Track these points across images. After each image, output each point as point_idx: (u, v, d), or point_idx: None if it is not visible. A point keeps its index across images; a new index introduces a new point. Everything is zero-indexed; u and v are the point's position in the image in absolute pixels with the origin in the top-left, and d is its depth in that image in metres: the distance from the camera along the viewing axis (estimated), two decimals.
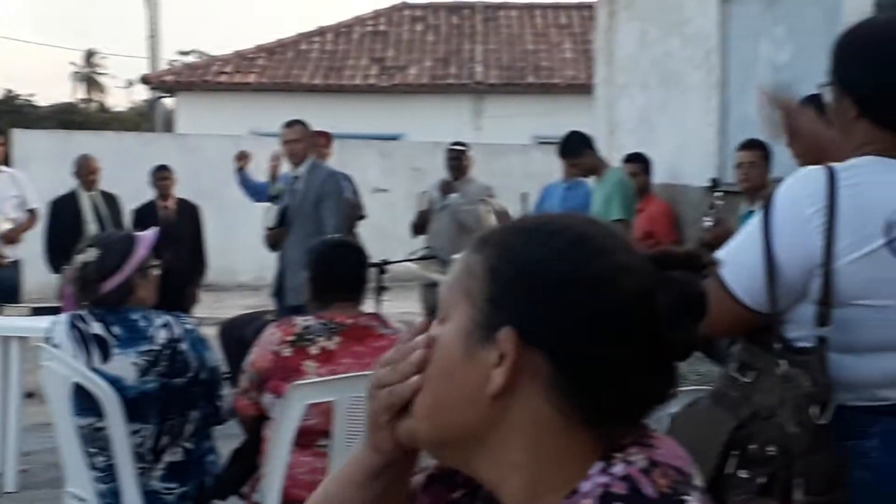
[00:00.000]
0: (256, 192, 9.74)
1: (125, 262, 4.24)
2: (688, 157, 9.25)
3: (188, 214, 10.41)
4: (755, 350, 2.54)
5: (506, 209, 8.79)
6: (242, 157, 9.95)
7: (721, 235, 6.16)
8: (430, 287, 8.83)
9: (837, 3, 7.29)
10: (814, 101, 3.07)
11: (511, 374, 1.25)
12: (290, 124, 8.52)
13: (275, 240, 8.49)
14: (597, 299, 1.25)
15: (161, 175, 10.30)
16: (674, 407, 2.65)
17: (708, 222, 6.77)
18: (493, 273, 1.29)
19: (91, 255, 4.22)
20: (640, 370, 1.26)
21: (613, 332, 1.24)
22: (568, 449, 1.26)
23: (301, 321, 4.30)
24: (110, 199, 10.17)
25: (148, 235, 4.41)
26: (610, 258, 1.27)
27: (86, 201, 10.00)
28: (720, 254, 2.51)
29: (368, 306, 4.73)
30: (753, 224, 2.50)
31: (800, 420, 2.41)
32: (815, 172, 2.45)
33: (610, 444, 1.26)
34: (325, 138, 9.82)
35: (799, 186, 2.47)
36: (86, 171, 10.12)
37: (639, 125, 10.12)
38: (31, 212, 10.04)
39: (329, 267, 4.41)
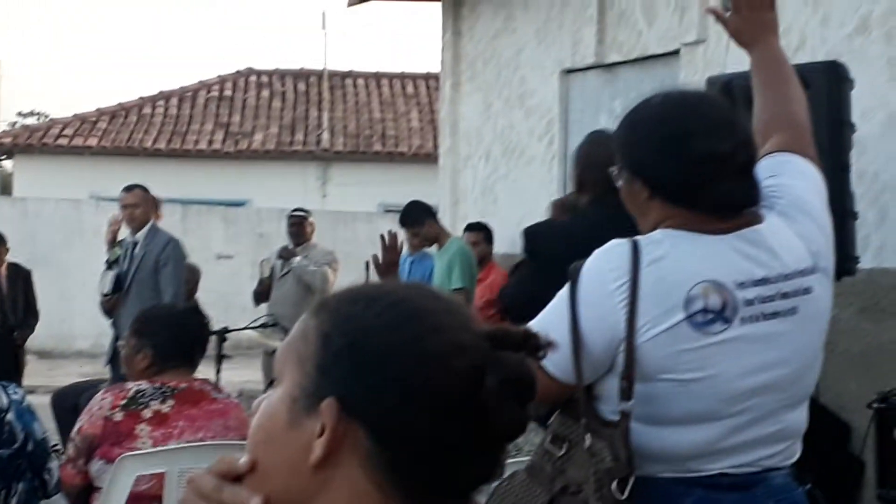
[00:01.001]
0: None
1: None
2: None
3: (20, 279, 10.16)
4: (569, 422, 2.53)
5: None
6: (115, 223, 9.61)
7: None
8: (272, 356, 8.74)
9: (674, 77, 7.51)
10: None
11: (330, 445, 1.22)
12: (129, 188, 8.40)
13: (110, 306, 8.31)
14: (423, 376, 1.22)
15: None
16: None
17: None
18: (325, 340, 1.26)
19: None
20: (465, 450, 1.24)
21: (438, 410, 1.22)
22: None
23: (133, 385, 4.21)
24: None
25: None
26: (443, 335, 1.25)
27: None
28: (531, 324, 2.52)
29: (208, 374, 4.67)
30: (561, 296, 2.50)
31: (601, 495, 2.42)
32: (620, 246, 2.47)
33: None
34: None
35: (604, 260, 2.48)
36: None
37: (482, 195, 10.22)
38: None
39: (174, 332, 4.34)
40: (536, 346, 1.30)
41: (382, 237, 4.88)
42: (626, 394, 2.42)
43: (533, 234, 4.83)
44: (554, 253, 4.02)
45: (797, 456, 2.61)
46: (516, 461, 3.38)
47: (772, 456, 2.53)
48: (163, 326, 4.38)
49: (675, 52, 7.80)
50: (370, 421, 1.22)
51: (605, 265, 2.46)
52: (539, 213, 9.20)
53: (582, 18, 8.86)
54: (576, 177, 4.80)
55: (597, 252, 2.51)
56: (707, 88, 5.75)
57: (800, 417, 2.59)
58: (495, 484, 2.64)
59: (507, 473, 2.76)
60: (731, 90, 4.90)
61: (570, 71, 9.08)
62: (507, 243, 9.30)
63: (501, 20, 10.01)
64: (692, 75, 7.39)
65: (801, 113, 2.84)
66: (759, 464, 2.52)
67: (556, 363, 2.45)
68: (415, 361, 1.23)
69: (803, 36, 6.70)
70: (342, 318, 1.28)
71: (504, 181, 9.93)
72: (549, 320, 2.50)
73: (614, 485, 2.41)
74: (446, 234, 8.46)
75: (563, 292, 2.49)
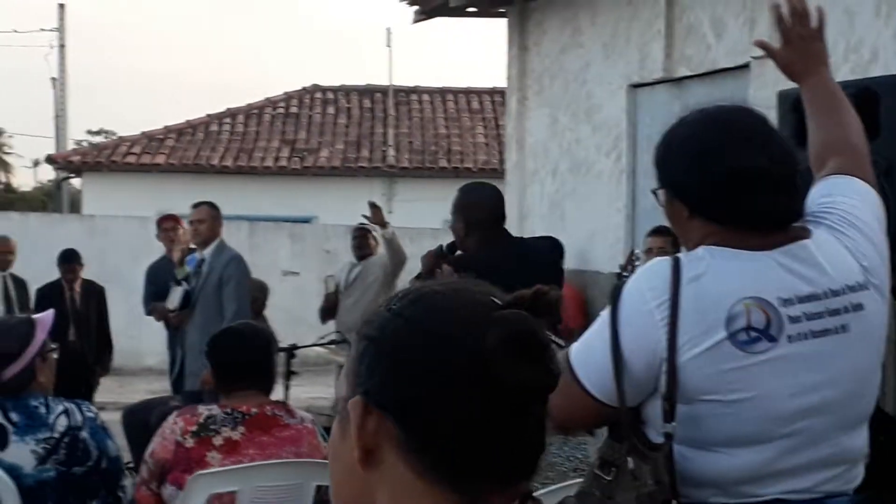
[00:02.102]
0: None
1: (26, 348, 4.13)
2: (597, 243, 9.33)
3: (93, 297, 10.25)
4: (616, 446, 2.50)
5: None
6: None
7: None
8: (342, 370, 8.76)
9: (744, 91, 7.43)
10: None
11: (362, 441, 1.25)
12: (197, 205, 8.43)
13: (178, 322, 8.34)
14: (426, 356, 1.24)
15: (69, 268, 10.11)
16: None
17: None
18: (357, 347, 1.31)
19: None
20: (488, 421, 1.23)
21: (447, 384, 1.23)
22: None
23: (204, 410, 4.21)
24: (19, 284, 9.99)
25: (46, 318, 4.31)
26: (435, 311, 1.28)
27: None
28: (574, 347, 2.49)
29: (277, 392, 4.65)
30: (602, 317, 2.47)
31: None
32: (661, 264, 2.44)
33: None
34: (172, 221, 9.65)
35: (644, 279, 2.45)
36: (3, 249, 9.92)
37: (549, 211, 10.19)
38: None
39: (230, 355, 4.33)
40: (547, 302, 1.29)
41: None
42: (669, 415, 2.39)
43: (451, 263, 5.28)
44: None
45: (859, 481, 2.54)
46: (568, 484, 3.35)
47: (829, 480, 2.47)
48: (223, 349, 4.39)
49: (745, 66, 7.72)
50: (392, 409, 1.25)
51: (644, 284, 2.43)
52: (607, 228, 9.16)
53: (650, 32, 8.81)
54: (462, 223, 5.32)
55: (639, 271, 2.49)
56: (778, 103, 5.69)
57: (857, 440, 2.52)
58: None
59: (558, 499, 2.73)
60: (802, 105, 4.84)
61: (637, 85, 9.04)
62: (576, 259, 9.25)
63: (568, 35, 9.98)
64: (762, 89, 7.30)
65: (856, 137, 2.79)
66: (818, 489, 2.46)
67: (598, 384, 2.43)
68: (415, 343, 1.25)
69: (875, 50, 6.61)
70: (370, 323, 1.32)
71: (571, 197, 9.89)
72: (591, 341, 2.48)
73: None
74: None
75: (605, 313, 2.46)
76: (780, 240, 2.46)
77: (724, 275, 2.41)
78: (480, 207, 5.38)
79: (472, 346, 1.23)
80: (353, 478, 1.28)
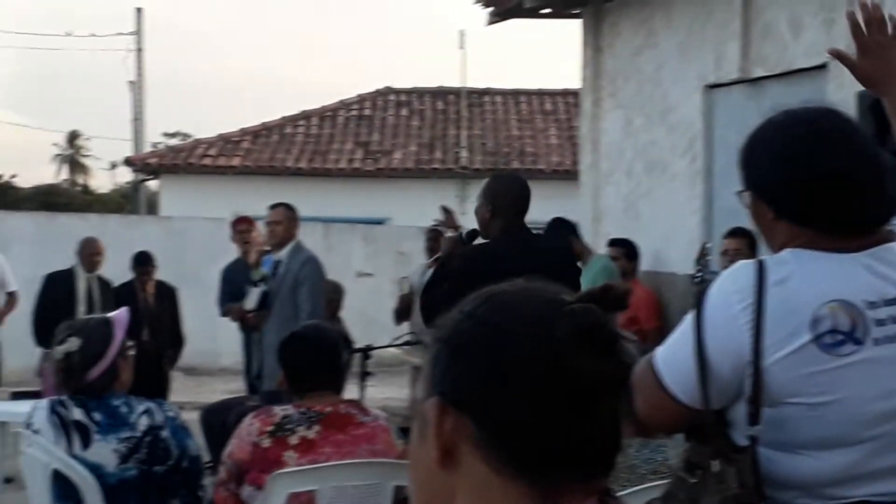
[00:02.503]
0: None
1: (108, 348, 4.20)
2: (673, 244, 9.27)
3: (166, 297, 10.35)
4: (702, 449, 2.49)
5: None
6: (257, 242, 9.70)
7: None
8: (417, 371, 8.79)
9: (821, 91, 7.36)
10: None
11: (439, 440, 1.26)
12: (274, 207, 8.47)
13: (255, 323, 8.38)
14: (498, 353, 1.25)
15: (143, 269, 10.22)
16: None
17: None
18: (430, 351, 1.32)
19: (73, 344, 4.17)
20: (561, 414, 1.24)
21: (519, 380, 1.24)
22: None
23: (280, 411, 4.25)
24: (105, 285, 10.07)
25: (122, 317, 4.37)
26: (504, 309, 1.29)
27: (82, 282, 9.90)
28: (659, 350, 2.50)
29: (352, 392, 4.69)
30: (687, 320, 2.46)
31: None
32: (746, 267, 2.43)
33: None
34: (246, 223, 9.70)
35: (729, 282, 2.44)
36: (90, 251, 10.02)
37: (624, 212, 10.15)
38: (10, 295, 9.97)
39: (301, 357, 4.37)
40: (615, 296, 1.30)
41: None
42: (754, 418, 2.38)
43: (458, 254, 5.86)
44: (473, 269, 5.33)
45: None
46: (647, 487, 3.35)
47: None
48: (293, 352, 4.43)
49: (823, 66, 7.64)
50: (468, 408, 1.25)
51: (730, 286, 2.42)
52: (683, 230, 9.11)
53: (725, 33, 8.75)
54: (488, 208, 5.77)
55: (723, 274, 2.48)
56: (857, 104, 5.63)
57: None
58: None
59: (639, 501, 2.72)
60: (881, 106, 4.79)
61: (713, 86, 8.98)
62: (651, 260, 9.21)
63: (643, 36, 9.94)
64: (840, 90, 7.23)
65: None
66: None
67: (683, 387, 2.42)
68: (484, 341, 1.26)
69: None
70: (442, 326, 1.33)
71: (646, 198, 9.84)
72: (676, 344, 2.47)
73: None
74: (590, 250, 8.42)
75: (689, 316, 2.45)
76: (866, 242, 2.44)
77: (810, 277, 2.39)
78: (508, 196, 5.78)
79: (542, 341, 1.24)
80: (433, 480, 1.29)
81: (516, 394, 1.23)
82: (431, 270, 9.54)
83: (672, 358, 2.46)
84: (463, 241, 6.17)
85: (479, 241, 5.99)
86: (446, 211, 8.81)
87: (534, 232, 6.03)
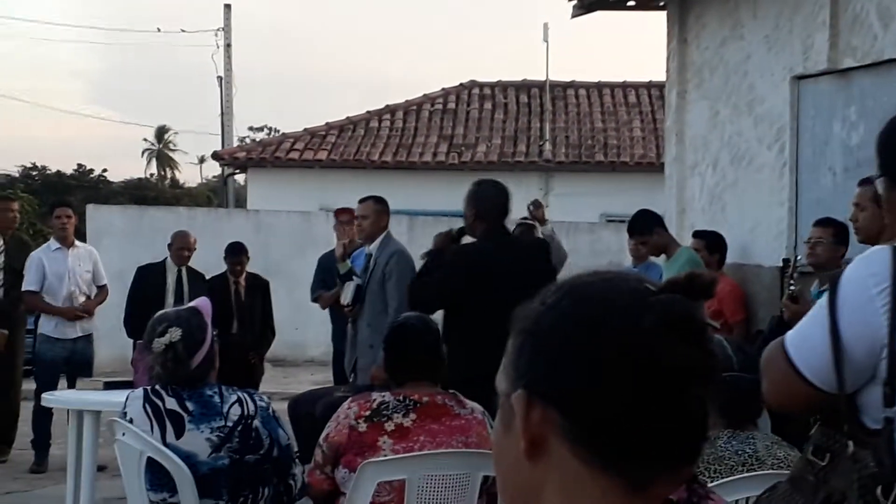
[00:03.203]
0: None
1: (206, 335, 4.28)
2: (759, 236, 9.20)
3: (258, 290, 10.44)
4: (830, 433, 2.51)
5: None
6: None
7: (800, 311, 6.10)
8: None
9: None
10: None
11: (528, 432, 1.26)
12: (363, 200, 8.48)
13: (353, 317, 8.35)
14: (584, 344, 1.25)
15: (236, 260, 10.32)
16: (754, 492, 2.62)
17: (792, 287, 6.65)
18: (514, 342, 1.32)
19: (175, 334, 4.23)
20: (647, 404, 1.24)
21: (607, 370, 1.23)
22: (602, 501, 1.25)
23: (378, 396, 4.31)
24: (197, 277, 10.16)
25: (204, 305, 4.44)
26: (589, 299, 1.28)
27: (171, 275, 10.04)
28: (789, 335, 2.50)
29: None
30: (821, 304, 2.48)
31: (865, 502, 2.38)
32: (881, 252, 2.43)
33: (652, 498, 1.26)
34: (348, 214, 9.73)
35: (864, 266, 2.45)
36: (180, 245, 10.13)
37: (710, 204, 10.08)
38: (101, 288, 10.13)
39: (405, 345, 4.42)
40: (702, 284, 1.29)
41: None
42: (890, 400, 2.39)
43: (450, 250, 6.69)
44: (460, 263, 6.38)
45: None
46: (738, 479, 3.35)
47: None
48: (389, 341, 4.48)
49: None
50: (555, 399, 1.25)
51: (865, 271, 2.43)
52: (770, 221, 9.03)
53: (813, 24, 8.65)
54: (472, 211, 6.56)
55: (857, 259, 2.48)
56: None
57: None
58: (756, 495, 2.63)
59: (727, 493, 2.72)
60: None
61: (801, 77, 8.88)
62: (737, 253, 9.14)
63: (729, 27, 9.85)
64: None
65: None
66: None
67: (815, 370, 2.43)
68: (569, 332, 1.26)
69: None
70: (525, 317, 1.33)
71: (732, 190, 9.76)
72: (808, 328, 2.49)
73: (878, 490, 2.37)
74: (675, 243, 8.38)
75: (823, 300, 2.46)
76: None
77: None
78: (489, 202, 6.56)
79: (629, 331, 1.24)
80: (519, 471, 1.29)
81: (604, 386, 1.23)
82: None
83: (804, 342, 2.48)
84: (453, 237, 6.89)
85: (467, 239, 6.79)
86: (537, 206, 8.86)
87: (510, 234, 6.83)
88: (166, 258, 10.14)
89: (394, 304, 7.82)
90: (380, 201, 8.33)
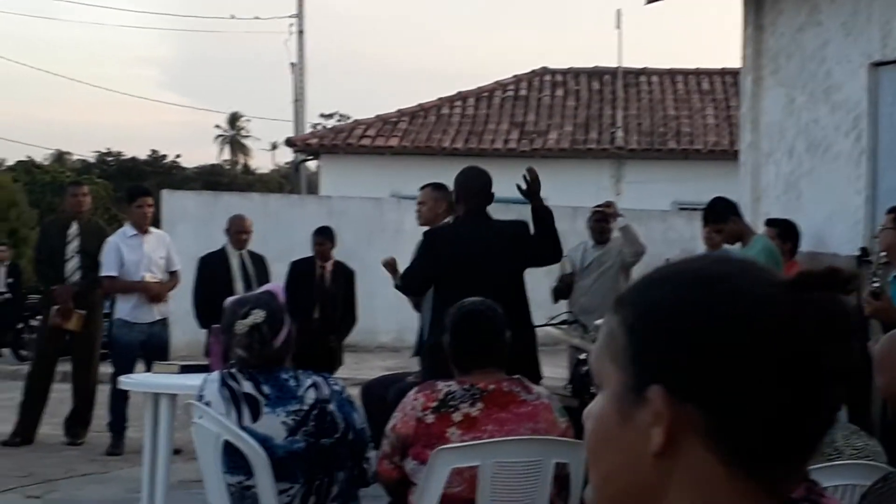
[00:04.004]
0: None
1: (284, 316, 4.32)
2: (835, 225, 9.10)
3: (343, 278, 10.49)
4: None
5: None
6: None
7: (882, 308, 6.03)
8: (576, 350, 8.77)
9: None
10: None
11: (669, 430, 1.22)
12: (423, 187, 8.54)
13: (417, 303, 8.40)
14: (732, 340, 1.21)
15: (320, 240, 10.39)
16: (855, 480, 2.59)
17: (875, 285, 6.56)
18: (632, 332, 1.27)
19: (258, 315, 4.27)
20: (791, 404, 1.21)
21: (757, 369, 1.20)
22: (737, 500, 1.22)
23: (443, 386, 4.29)
24: (257, 260, 10.29)
25: (278, 288, 4.49)
26: (739, 295, 1.23)
27: (234, 260, 10.13)
28: None
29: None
30: None
31: None
32: None
33: (778, 497, 1.23)
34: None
35: None
36: (238, 229, 10.24)
37: (785, 192, 9.99)
38: (172, 273, 10.24)
39: (470, 332, 4.39)
40: (843, 280, 1.25)
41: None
42: None
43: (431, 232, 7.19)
44: (438, 244, 6.88)
45: None
46: (842, 463, 3.32)
47: None
48: (464, 326, 4.45)
49: None
50: (698, 396, 1.21)
51: None
52: (846, 210, 8.93)
53: (892, 10, 8.54)
54: (455, 195, 7.20)
55: None
56: None
57: None
58: (869, 484, 2.60)
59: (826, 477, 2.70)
60: None
61: (879, 64, 8.77)
62: (813, 241, 9.05)
63: (805, 13, 9.75)
64: None
65: None
66: None
67: None
68: (717, 328, 1.22)
69: None
70: (639, 305, 1.28)
71: (808, 177, 9.67)
72: None
73: None
74: (751, 231, 8.31)
75: None
76: None
77: None
78: (472, 188, 7.07)
79: (774, 327, 1.21)
80: (637, 469, 1.25)
81: (766, 388, 1.20)
82: (597, 252, 9.56)
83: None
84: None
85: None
86: (608, 204, 8.98)
87: (493, 219, 7.10)
88: (224, 245, 10.24)
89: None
90: (438, 188, 8.37)
